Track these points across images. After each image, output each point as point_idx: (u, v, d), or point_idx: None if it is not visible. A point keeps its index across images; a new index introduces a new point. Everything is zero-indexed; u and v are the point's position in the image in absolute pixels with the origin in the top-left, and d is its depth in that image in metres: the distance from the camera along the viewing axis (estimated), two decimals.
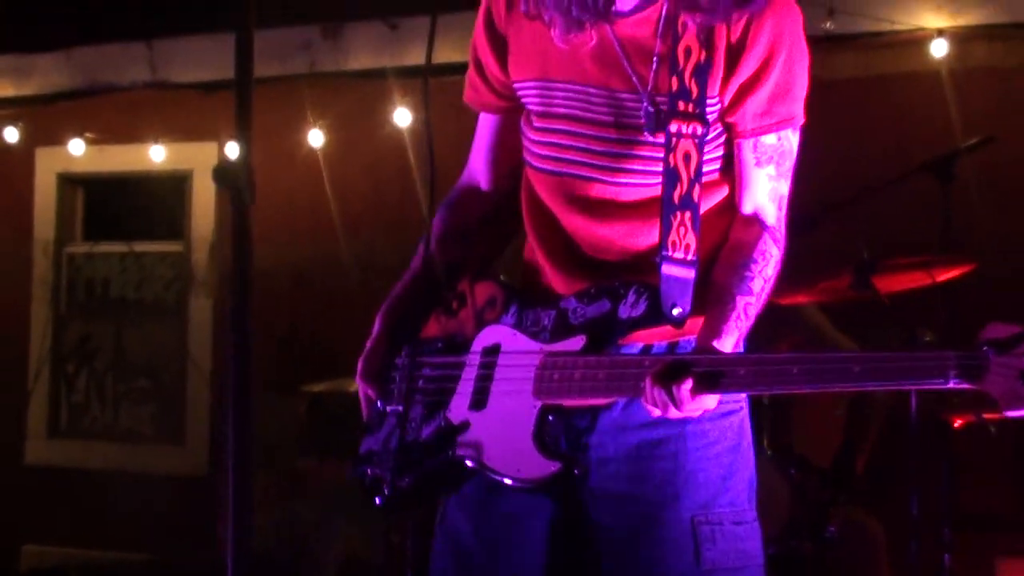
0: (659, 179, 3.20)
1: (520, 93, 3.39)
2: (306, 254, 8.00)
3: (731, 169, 3.27)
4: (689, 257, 3.17)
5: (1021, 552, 6.21)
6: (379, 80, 7.90)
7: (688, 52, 3.15)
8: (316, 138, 8.17)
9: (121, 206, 9.40)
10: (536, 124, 3.35)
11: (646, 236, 3.26)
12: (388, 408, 3.50)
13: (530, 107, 3.37)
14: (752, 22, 3.13)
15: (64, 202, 9.45)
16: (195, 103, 8.65)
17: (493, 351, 3.36)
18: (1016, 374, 2.66)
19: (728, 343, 3.09)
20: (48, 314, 9.42)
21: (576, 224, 3.33)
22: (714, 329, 3.12)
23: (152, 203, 9.11)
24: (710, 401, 2.97)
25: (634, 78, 3.19)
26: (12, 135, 9.18)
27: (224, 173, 2.77)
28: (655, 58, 3.18)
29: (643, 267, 3.22)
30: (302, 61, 8.04)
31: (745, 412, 3.34)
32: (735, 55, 3.15)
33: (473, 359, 3.39)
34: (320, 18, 8.07)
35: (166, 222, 9.12)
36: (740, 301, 3.17)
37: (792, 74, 3.20)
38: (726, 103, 3.20)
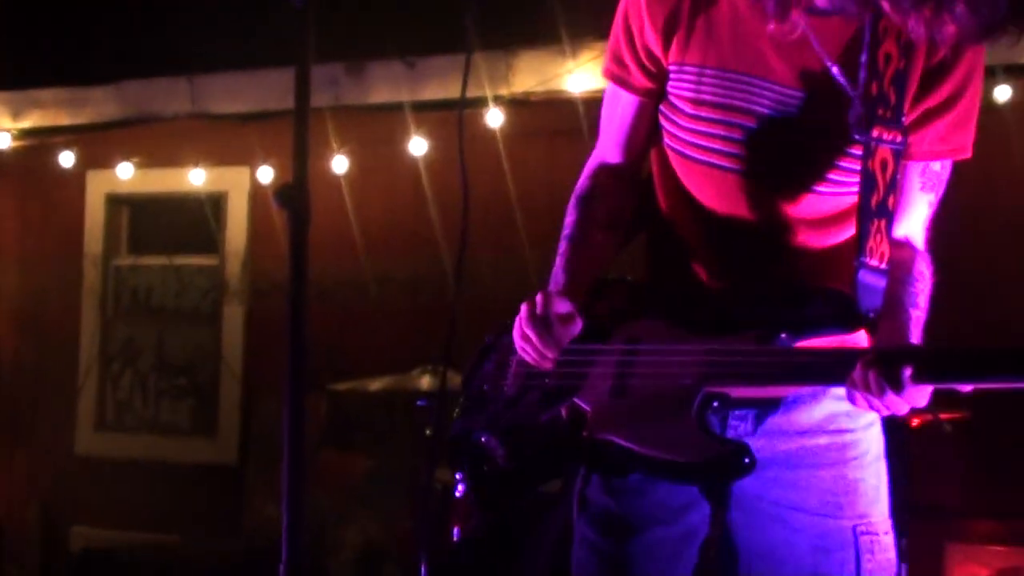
0: (851, 185, 2.89)
1: (677, 76, 2.94)
2: (329, 270, 7.97)
3: None
4: (883, 265, 2.83)
5: (967, 538, 6.18)
6: (397, 113, 7.88)
7: (888, 58, 2.84)
8: (339, 164, 8.12)
9: (163, 223, 9.39)
10: (698, 113, 2.92)
11: (828, 238, 2.96)
12: (497, 387, 3.13)
13: (688, 93, 2.93)
14: (957, 49, 2.82)
15: (112, 219, 9.43)
16: (230, 132, 8.64)
17: (636, 341, 2.94)
18: None
19: None
20: (96, 320, 9.40)
21: (748, 221, 2.94)
22: (901, 337, 2.80)
23: (190, 221, 9.08)
24: (924, 396, 2.61)
25: (840, 80, 2.85)
26: (67, 159, 9.17)
27: (286, 195, 2.71)
28: (859, 61, 2.84)
29: (823, 269, 2.93)
30: (328, 95, 8.02)
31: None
32: (933, 77, 2.87)
33: (610, 349, 2.96)
34: (345, 57, 8.05)
35: (203, 238, 9.08)
36: (913, 314, 2.86)
37: (975, 105, 2.92)
38: (910, 121, 2.87)
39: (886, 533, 2.96)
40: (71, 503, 9.16)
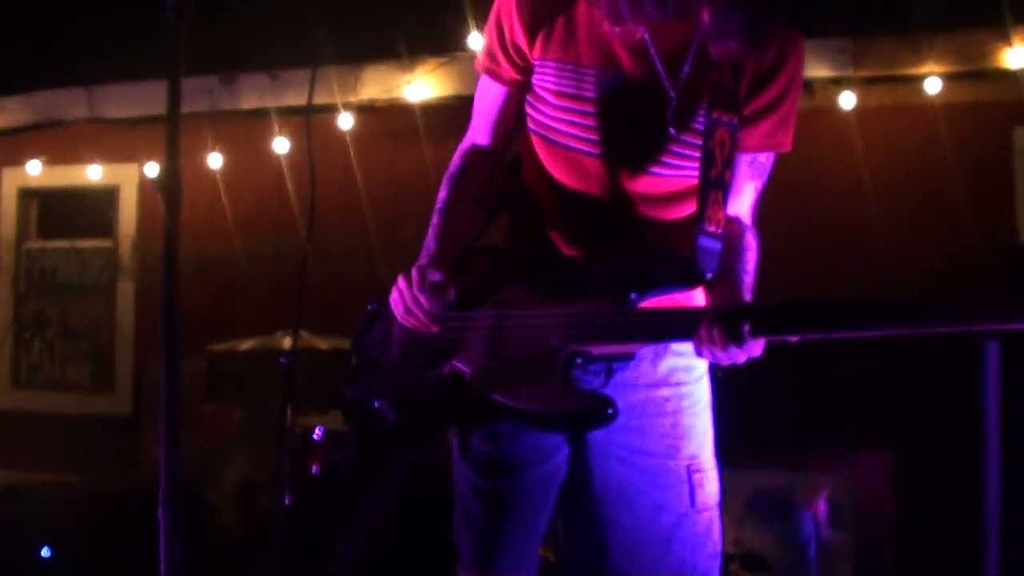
0: (690, 168, 2.85)
1: (541, 71, 2.92)
2: (206, 249, 7.95)
3: None
4: (719, 231, 2.81)
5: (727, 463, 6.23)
6: (263, 117, 7.85)
7: (723, 57, 2.80)
8: (215, 161, 8.09)
9: (66, 212, 9.25)
10: (558, 103, 2.90)
11: (671, 213, 2.91)
12: (385, 356, 3.05)
13: (550, 86, 2.91)
14: (781, 56, 2.84)
15: (23, 209, 9.29)
16: (122, 134, 8.53)
17: (506, 306, 2.87)
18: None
19: None
20: (10, 295, 9.27)
21: (599, 198, 2.89)
22: (737, 297, 2.79)
23: (89, 210, 8.98)
24: (759, 347, 2.59)
25: (681, 71, 2.83)
26: None
27: (162, 183, 2.83)
28: (698, 56, 2.81)
29: (667, 240, 2.88)
30: (204, 102, 7.99)
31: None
32: (762, 79, 2.85)
33: (483, 315, 2.90)
34: (218, 70, 8.01)
35: (100, 224, 8.99)
36: (745, 279, 2.85)
37: (795, 108, 2.91)
38: (744, 115, 2.85)
39: (711, 469, 2.97)
40: None
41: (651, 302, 2.75)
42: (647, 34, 2.83)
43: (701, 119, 2.84)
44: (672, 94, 2.85)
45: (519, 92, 3.02)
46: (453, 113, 7.24)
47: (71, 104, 8.70)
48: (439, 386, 2.96)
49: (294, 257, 7.32)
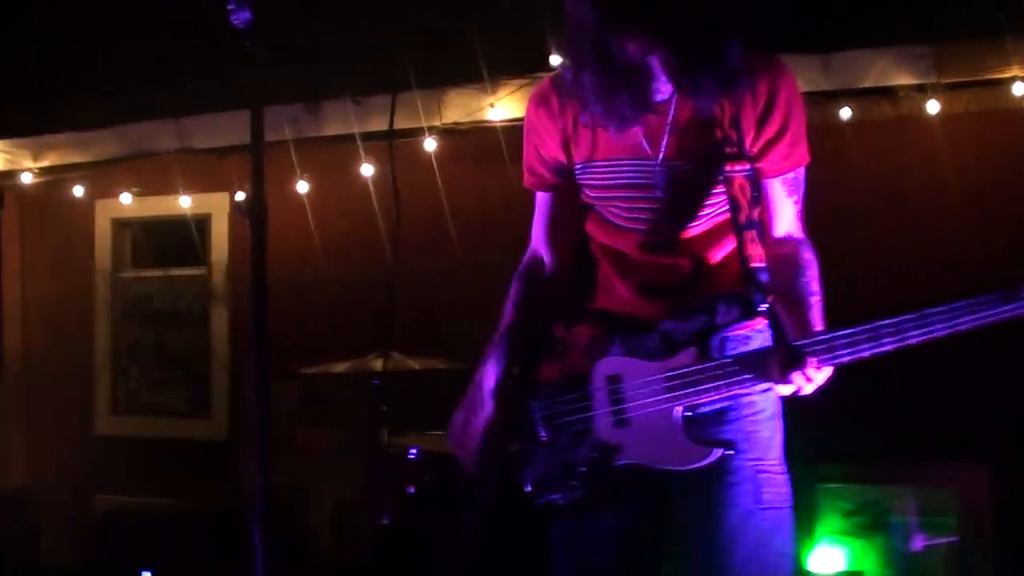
0: (718, 213, 3.12)
1: (582, 172, 3.19)
2: (296, 274, 7.96)
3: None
4: (762, 264, 3.06)
5: (831, 479, 6.09)
6: (349, 143, 7.73)
7: (722, 108, 3.02)
8: (302, 187, 8.04)
9: (159, 241, 9.30)
10: (602, 195, 3.19)
11: (712, 253, 3.15)
12: (537, 441, 3.25)
13: (592, 182, 3.19)
14: (772, 90, 3.03)
15: (117, 240, 9.33)
16: (212, 164, 8.48)
17: (616, 379, 3.12)
18: None
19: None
20: (107, 323, 9.31)
21: (651, 261, 3.16)
22: (807, 325, 3.02)
23: (181, 239, 8.98)
24: (826, 373, 2.88)
25: (689, 138, 3.07)
26: (79, 191, 9.10)
27: (244, 205, 2.83)
28: (701, 118, 3.05)
29: (714, 277, 3.14)
30: (290, 130, 7.91)
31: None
32: (763, 119, 3.04)
33: (599, 388, 3.15)
34: (303, 98, 7.94)
35: (192, 253, 8.99)
36: (812, 301, 3.08)
37: (802, 123, 3.10)
38: (755, 152, 3.06)
39: (780, 473, 3.15)
40: (94, 475, 9.10)
41: (723, 335, 3.09)
42: (664, 119, 3.08)
43: (718, 176, 3.05)
44: (688, 165, 3.08)
45: (564, 194, 3.30)
46: None
47: (160, 136, 8.65)
48: (591, 457, 3.17)
49: (384, 280, 7.27)
